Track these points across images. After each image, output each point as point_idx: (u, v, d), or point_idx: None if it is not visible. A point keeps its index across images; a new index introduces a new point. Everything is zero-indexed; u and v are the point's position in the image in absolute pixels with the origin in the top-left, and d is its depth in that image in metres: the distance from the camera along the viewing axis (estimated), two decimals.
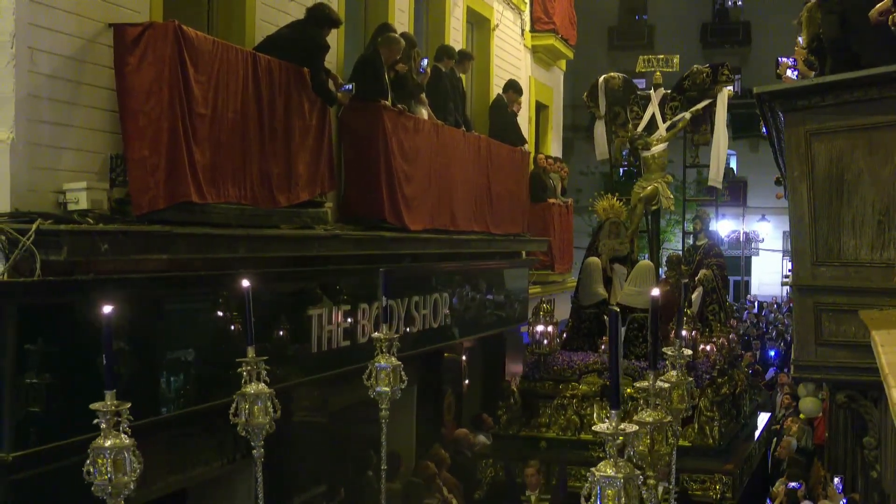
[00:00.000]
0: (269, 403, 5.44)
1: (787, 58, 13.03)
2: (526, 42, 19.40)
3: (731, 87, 16.51)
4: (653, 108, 16.27)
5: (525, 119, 18.11)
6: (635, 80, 17.27)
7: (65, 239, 6.97)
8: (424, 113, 12.70)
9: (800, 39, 10.49)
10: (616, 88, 16.55)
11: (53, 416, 7.14)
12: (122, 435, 4.12)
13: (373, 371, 6.17)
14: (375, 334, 6.25)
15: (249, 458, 9.68)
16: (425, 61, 12.53)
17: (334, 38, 11.52)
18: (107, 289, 7.59)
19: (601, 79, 16.80)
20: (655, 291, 4.61)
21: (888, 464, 7.52)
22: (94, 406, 4.13)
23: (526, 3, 19.17)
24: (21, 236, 6.74)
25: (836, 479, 11.74)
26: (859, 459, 9.90)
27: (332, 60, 11.25)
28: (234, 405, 5.39)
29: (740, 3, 52.49)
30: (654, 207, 16.15)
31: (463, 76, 14.87)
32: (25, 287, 6.84)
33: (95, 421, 4.11)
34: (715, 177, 16.43)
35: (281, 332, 9.81)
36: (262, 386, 5.42)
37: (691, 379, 5.16)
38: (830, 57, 7.86)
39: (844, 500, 11.19)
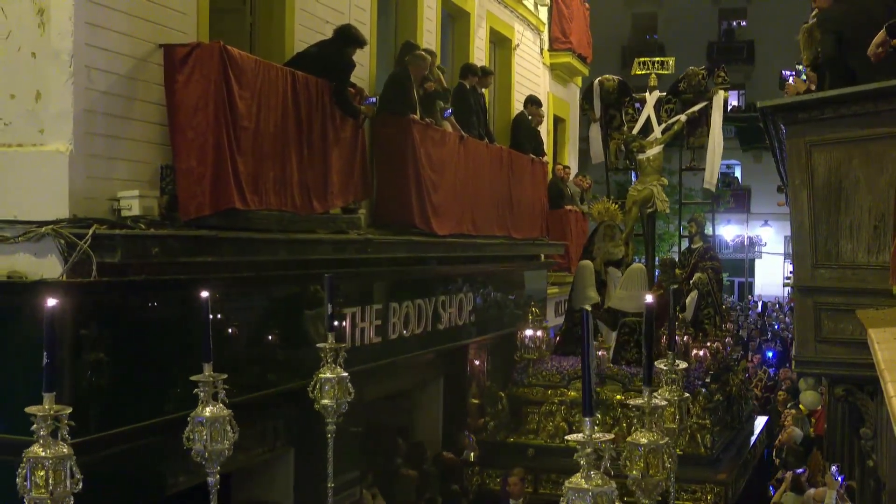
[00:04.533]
0: (227, 427, 4.60)
1: (790, 71, 12.90)
2: (545, 60, 19.39)
3: (726, 90, 15.58)
4: (648, 111, 15.50)
5: (544, 132, 18.09)
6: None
7: (119, 243, 7.03)
8: (449, 126, 12.72)
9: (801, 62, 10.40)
10: (611, 91, 15.79)
11: (109, 406, 7.20)
12: (62, 443, 3.49)
13: (317, 383, 5.37)
14: (320, 344, 5.42)
15: (289, 446, 9.80)
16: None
17: (366, 55, 11.55)
18: (157, 289, 7.65)
19: (596, 81, 16.12)
20: (649, 298, 3.96)
21: (883, 453, 7.48)
22: (31, 409, 3.48)
23: (545, 24, 19.16)
24: (79, 240, 6.81)
25: (833, 468, 11.64)
26: (856, 449, 9.86)
27: (364, 77, 11.28)
28: (188, 428, 4.55)
29: (745, 23, 52.33)
30: (649, 210, 15.31)
31: (485, 91, 14.88)
32: (83, 287, 6.89)
33: (33, 427, 3.47)
34: (710, 179, 15.52)
35: (317, 329, 9.84)
36: (219, 408, 4.58)
37: (687, 395, 4.52)
38: (829, 73, 7.83)
39: (842, 481, 11.09)
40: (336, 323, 10.13)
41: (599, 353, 12.57)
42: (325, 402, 5.35)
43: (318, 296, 9.98)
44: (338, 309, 10.34)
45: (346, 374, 5.39)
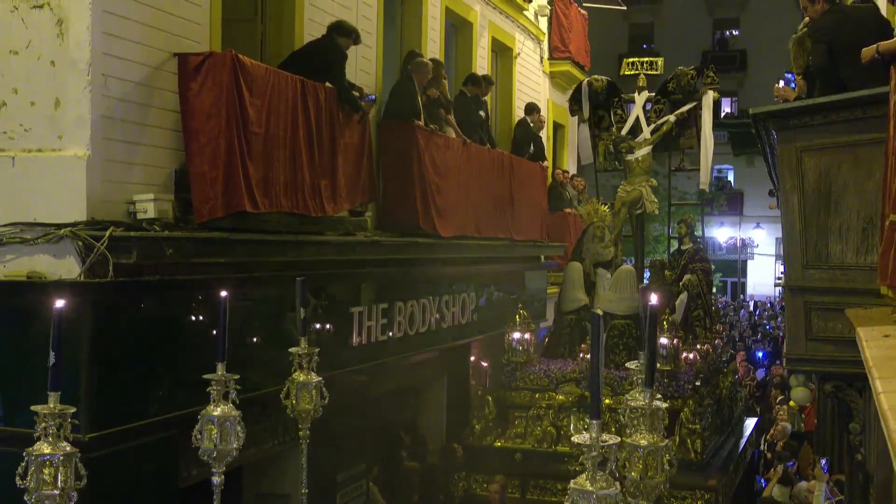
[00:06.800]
0: (238, 428, 4.47)
1: (782, 79, 12.76)
2: (544, 68, 19.39)
3: (716, 90, 14.83)
4: (637, 112, 14.88)
5: (544, 137, 18.08)
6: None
7: (134, 244, 7.04)
8: (452, 132, 12.72)
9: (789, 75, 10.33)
10: (599, 91, 15.17)
11: (124, 402, 7.21)
12: (64, 442, 3.45)
13: (291, 389, 5.13)
14: (293, 349, 5.19)
15: (300, 439, 9.80)
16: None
17: (373, 64, 11.57)
18: (171, 289, 7.66)
19: (584, 81, 15.62)
20: (654, 299, 3.69)
21: (871, 447, 7.46)
22: (36, 408, 3.47)
23: (544, 34, 19.16)
24: (96, 242, 6.82)
25: (823, 461, 11.60)
26: (845, 443, 9.83)
27: (370, 84, 11.29)
28: (197, 426, 4.46)
29: (737, 32, 52.35)
30: (638, 212, 14.76)
31: (488, 98, 14.87)
32: (100, 287, 6.90)
33: (43, 426, 3.46)
34: (704, 180, 14.97)
35: (326, 328, 9.85)
36: (230, 408, 4.47)
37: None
38: (819, 82, 7.82)
39: (825, 470, 11.04)
40: (377, 318, 10.19)
41: (588, 355, 12.01)
42: (305, 406, 5.14)
43: (325, 295, 9.99)
44: (321, 310, 10.35)
45: (319, 378, 5.17)
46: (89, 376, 6.90)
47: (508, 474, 11.32)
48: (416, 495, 12.45)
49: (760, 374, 23.53)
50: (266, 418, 9.10)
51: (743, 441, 13.81)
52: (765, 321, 35.09)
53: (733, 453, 12.89)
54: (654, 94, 15.17)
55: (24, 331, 7.07)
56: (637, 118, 14.91)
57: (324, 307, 9.82)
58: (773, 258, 46.25)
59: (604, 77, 15.72)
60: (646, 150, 14.65)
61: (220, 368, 4.51)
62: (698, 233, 16.15)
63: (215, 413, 4.44)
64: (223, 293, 4.61)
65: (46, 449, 3.41)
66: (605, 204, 14.82)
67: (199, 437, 4.46)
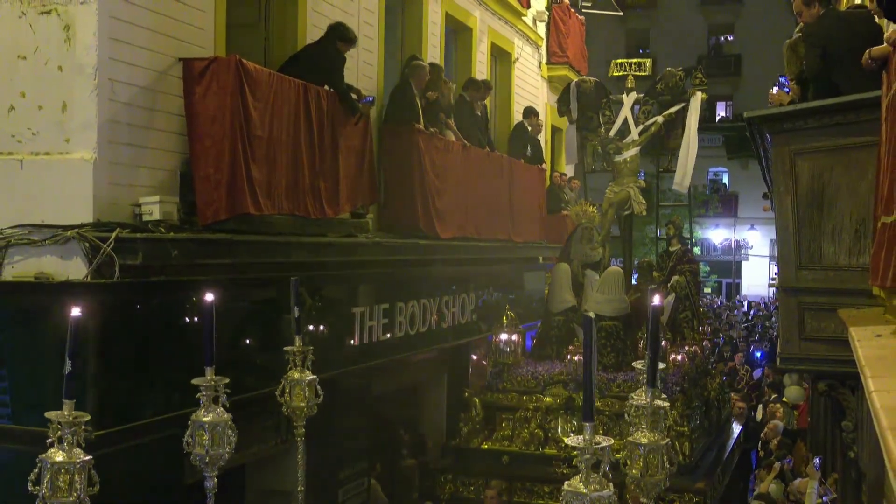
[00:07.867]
0: (229, 432, 4.34)
1: (776, 84, 12.69)
2: (542, 73, 19.41)
3: (704, 91, 14.52)
4: (625, 113, 14.59)
5: (542, 140, 18.09)
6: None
7: (140, 246, 7.05)
8: (452, 135, 12.73)
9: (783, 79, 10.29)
10: (588, 92, 14.90)
11: (129, 400, 7.22)
12: (78, 449, 3.41)
13: (286, 387, 5.11)
14: (288, 347, 5.17)
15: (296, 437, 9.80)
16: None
17: (374, 69, 11.57)
18: (176, 289, 7.66)
19: (573, 82, 15.41)
20: (657, 300, 3.58)
21: (864, 445, 7.47)
22: (50, 415, 3.42)
23: (543, 39, 19.18)
24: (102, 243, 6.83)
25: (816, 460, 11.57)
26: (838, 441, 9.83)
27: (372, 88, 11.29)
28: (188, 432, 4.33)
29: (732, 37, 52.37)
30: (625, 213, 14.47)
31: (486, 102, 14.88)
32: (106, 287, 6.91)
33: (57, 435, 3.41)
34: (680, 181, 14.55)
35: (328, 328, 9.86)
36: (220, 412, 4.33)
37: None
38: (813, 86, 7.82)
39: (818, 467, 10.99)
40: (378, 318, 10.12)
41: (576, 357, 11.82)
42: (299, 404, 5.13)
43: (326, 296, 10.00)
44: (317, 308, 10.34)
45: (313, 376, 5.16)
46: (96, 375, 6.91)
47: (495, 477, 11.08)
48: (415, 493, 12.45)
49: (758, 373, 23.44)
50: (268, 417, 9.10)
51: (731, 443, 13.55)
52: (761, 321, 34.98)
53: (721, 455, 12.63)
54: (642, 95, 14.96)
55: (32, 330, 7.07)
56: (625, 119, 14.66)
57: (326, 307, 9.83)
58: (768, 259, 46.22)
59: (592, 78, 15.56)
60: (633, 151, 14.41)
61: (209, 373, 4.36)
62: (686, 234, 15.98)
63: (206, 419, 4.32)
64: (209, 297, 4.45)
65: (61, 457, 3.37)
66: (594, 205, 14.68)
67: (190, 442, 4.35)
